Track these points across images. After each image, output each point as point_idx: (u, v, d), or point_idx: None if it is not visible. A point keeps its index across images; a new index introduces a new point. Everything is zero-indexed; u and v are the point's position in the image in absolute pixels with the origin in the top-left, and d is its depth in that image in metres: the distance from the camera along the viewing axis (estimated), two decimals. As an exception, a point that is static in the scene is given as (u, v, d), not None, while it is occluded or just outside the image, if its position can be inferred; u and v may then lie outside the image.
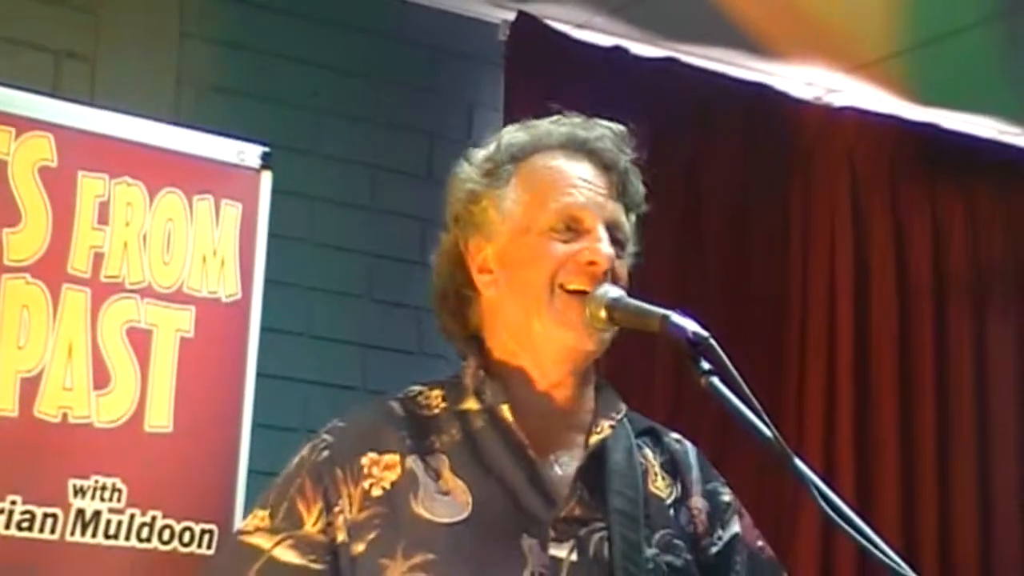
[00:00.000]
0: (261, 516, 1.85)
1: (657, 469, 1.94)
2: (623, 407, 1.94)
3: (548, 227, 1.86)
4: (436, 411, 1.89)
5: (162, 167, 2.62)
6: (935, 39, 4.07)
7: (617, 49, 4.16)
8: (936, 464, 4.36)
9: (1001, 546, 4.44)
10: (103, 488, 2.52)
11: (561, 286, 1.83)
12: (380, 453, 1.83)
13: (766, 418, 1.66)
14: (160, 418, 2.59)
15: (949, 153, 4.53)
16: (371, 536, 1.79)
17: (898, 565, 1.59)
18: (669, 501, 1.92)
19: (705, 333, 1.74)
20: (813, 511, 4.00)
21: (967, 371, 4.47)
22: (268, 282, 2.83)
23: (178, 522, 2.60)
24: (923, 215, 4.50)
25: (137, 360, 2.58)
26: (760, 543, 1.99)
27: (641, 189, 1.96)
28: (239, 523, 2.52)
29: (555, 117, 1.96)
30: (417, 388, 1.94)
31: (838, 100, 4.48)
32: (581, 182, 1.88)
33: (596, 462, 1.87)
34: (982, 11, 3.93)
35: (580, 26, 4.12)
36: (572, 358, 1.88)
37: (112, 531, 2.54)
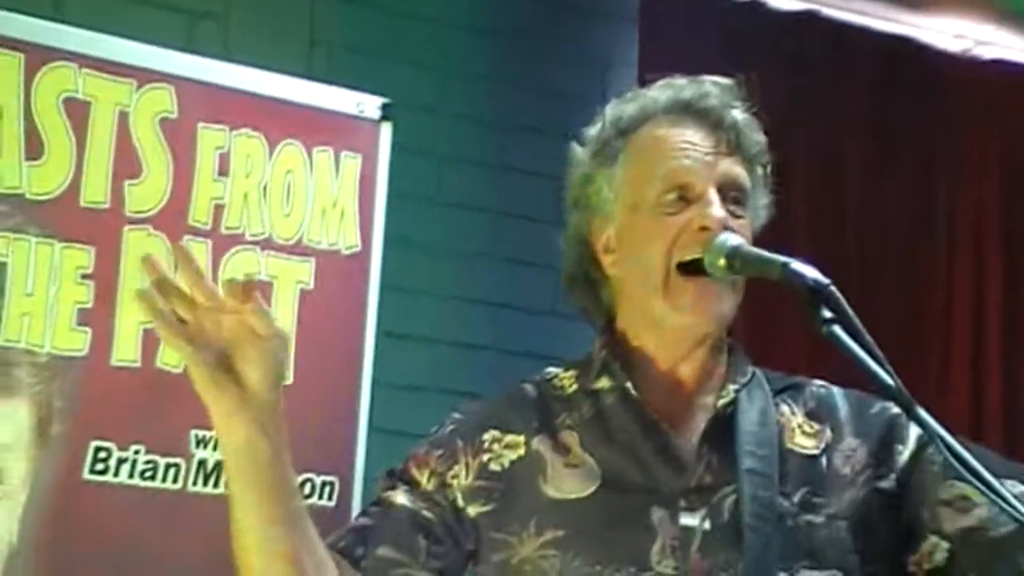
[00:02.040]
0: (387, 475, 1.89)
1: (799, 422, 1.87)
2: (750, 370, 1.89)
3: (656, 200, 1.81)
4: (569, 391, 1.89)
5: (281, 118, 2.61)
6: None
7: (754, 2, 4.06)
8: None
9: None
10: (202, 440, 2.53)
11: (677, 265, 1.79)
12: (504, 432, 1.84)
13: (889, 367, 1.60)
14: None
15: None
16: (487, 507, 1.80)
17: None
18: (815, 452, 1.84)
19: (826, 280, 1.67)
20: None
21: None
22: (393, 240, 2.81)
23: (299, 474, 2.59)
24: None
25: (260, 312, 2.57)
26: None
27: (761, 139, 1.89)
28: (359, 476, 2.52)
29: (661, 82, 1.90)
30: (554, 370, 1.94)
31: (985, 52, 4.31)
32: (686, 145, 1.83)
33: (724, 426, 1.82)
34: None
35: (715, -22, 4.02)
36: (691, 337, 1.84)
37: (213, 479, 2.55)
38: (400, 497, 1.82)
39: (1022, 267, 4.26)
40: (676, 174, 1.81)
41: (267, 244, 2.60)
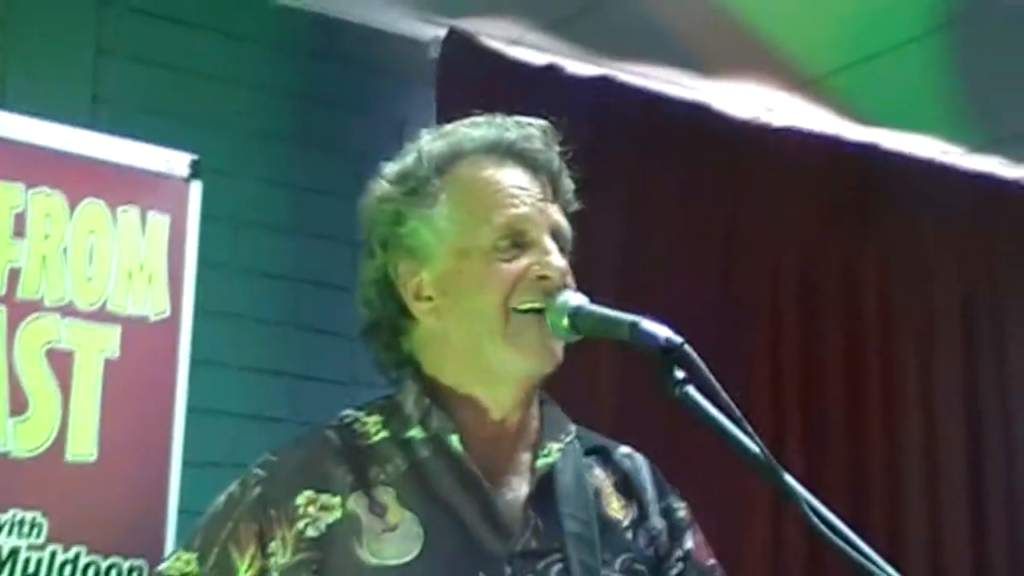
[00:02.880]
0: (187, 559, 1.71)
1: (610, 490, 1.83)
2: (572, 428, 1.83)
3: (491, 246, 1.73)
4: (376, 439, 1.76)
5: (83, 175, 2.42)
6: (873, 56, 3.99)
7: (551, 67, 4.05)
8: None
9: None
10: (21, 522, 2.31)
11: (515, 309, 1.71)
12: (318, 492, 1.70)
13: (750, 429, 1.54)
14: (83, 446, 2.39)
15: (888, 174, 4.45)
16: None
17: None
18: (626, 523, 1.81)
19: (679, 339, 1.62)
20: (764, 512, 3.98)
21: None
22: (198, 308, 2.64)
23: (104, 558, 2.40)
24: (865, 239, 4.41)
25: (58, 384, 2.37)
26: (711, 562, 1.88)
27: (572, 185, 1.86)
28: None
29: (471, 119, 1.83)
30: (351, 414, 1.80)
31: (777, 120, 4.38)
32: (519, 191, 1.76)
33: (546, 486, 1.75)
34: (922, 25, 3.85)
35: (513, 43, 4.00)
36: (528, 381, 1.77)
37: (32, 569, 2.33)
38: None
39: (816, 331, 4.31)
40: (513, 221, 1.74)
41: (68, 310, 2.40)
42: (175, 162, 2.51)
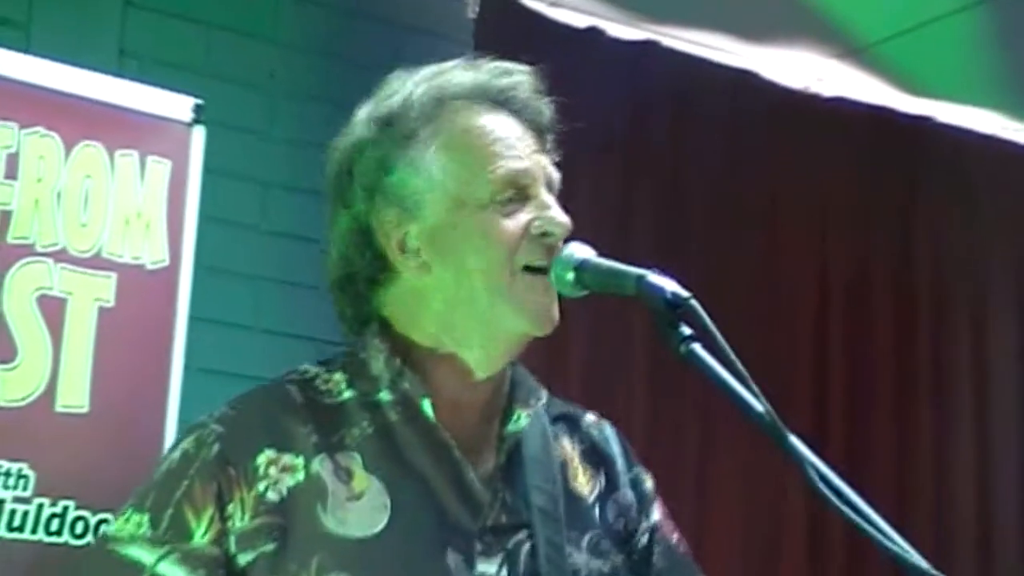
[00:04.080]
0: (138, 521, 1.59)
1: (577, 462, 1.76)
2: (543, 393, 1.73)
3: (489, 199, 1.63)
4: (341, 399, 1.65)
5: (80, 117, 2.33)
6: (927, 22, 3.84)
7: (592, 30, 3.95)
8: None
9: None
10: (7, 474, 2.23)
11: (524, 267, 1.62)
12: (280, 451, 1.59)
13: (755, 388, 1.46)
14: (74, 397, 2.30)
15: (941, 148, 4.30)
16: (266, 548, 1.55)
17: (901, 548, 1.39)
18: (593, 498, 1.74)
19: (686, 293, 1.54)
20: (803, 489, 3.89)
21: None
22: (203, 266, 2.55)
23: (93, 514, 2.30)
24: (916, 214, 4.27)
25: (49, 332, 2.28)
26: (676, 536, 1.81)
27: (554, 133, 1.75)
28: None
29: (455, 62, 1.74)
30: (312, 369, 1.69)
31: (827, 89, 4.24)
32: (517, 141, 1.67)
33: (515, 455, 1.68)
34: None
35: (553, 4, 3.90)
36: (521, 343, 1.67)
37: (17, 523, 2.24)
38: (172, 569, 1.55)
39: (865, 309, 4.17)
40: (513, 174, 1.65)
41: (61, 256, 2.31)
42: (177, 105, 2.41)
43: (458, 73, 1.71)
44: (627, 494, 1.77)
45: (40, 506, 2.26)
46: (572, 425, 1.79)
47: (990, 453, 4.25)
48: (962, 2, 3.75)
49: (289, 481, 1.58)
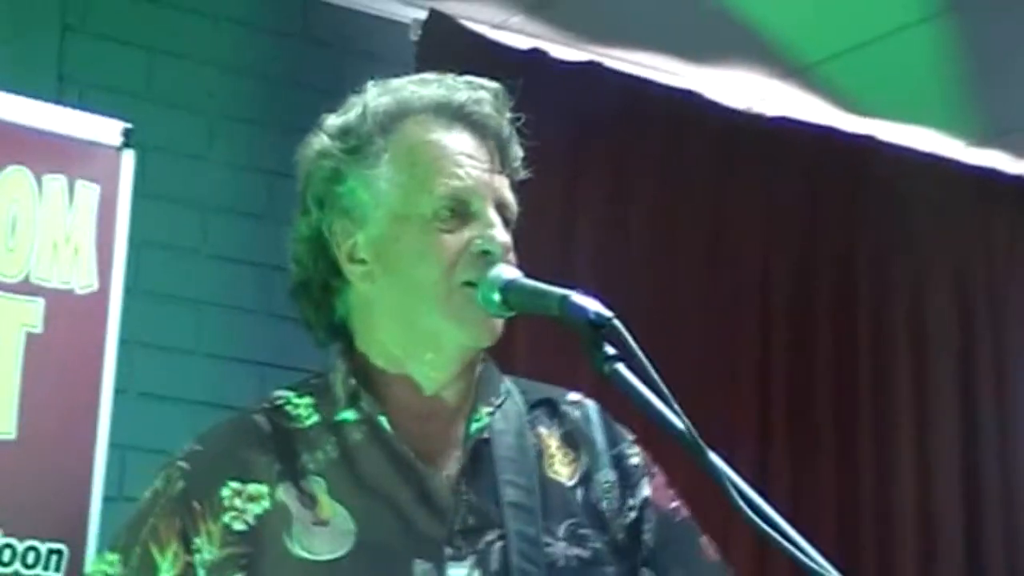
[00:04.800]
0: (111, 560, 1.62)
1: (555, 447, 1.73)
2: (505, 387, 1.72)
3: (432, 215, 1.63)
4: (307, 423, 1.65)
5: (7, 141, 2.32)
6: (869, 42, 3.86)
7: (535, 51, 3.95)
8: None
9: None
10: (-68, 503, 2.21)
11: (458, 284, 1.62)
12: (244, 482, 1.60)
13: (676, 407, 1.46)
14: (2, 424, 2.28)
15: (884, 167, 4.32)
16: None
17: (815, 560, 1.39)
18: (572, 482, 1.71)
19: (608, 313, 1.53)
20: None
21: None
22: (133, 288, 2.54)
23: (20, 541, 2.30)
24: (858, 234, 4.29)
25: (-26, 358, 2.27)
26: (674, 504, 1.77)
27: (519, 153, 1.73)
28: (91, 547, 2.23)
29: (420, 76, 1.73)
30: (283, 395, 1.69)
31: (769, 109, 4.26)
32: (465, 159, 1.66)
33: (481, 455, 1.66)
34: (920, 11, 3.73)
35: (496, 26, 3.91)
36: (467, 354, 1.67)
37: (-58, 552, 2.22)
38: None
39: (806, 329, 4.18)
40: (457, 191, 1.64)
41: (-12, 282, 2.30)
42: (107, 129, 2.40)
43: (420, 87, 1.70)
44: (608, 473, 1.73)
45: (-34, 534, 2.24)
46: (551, 409, 1.77)
47: (932, 486, 4.26)
48: (902, 22, 3.77)
49: (255, 510, 1.59)
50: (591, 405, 1.79)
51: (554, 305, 1.57)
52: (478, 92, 1.70)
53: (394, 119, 1.67)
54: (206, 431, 1.67)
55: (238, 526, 1.57)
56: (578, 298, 1.56)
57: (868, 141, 4.35)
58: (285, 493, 1.59)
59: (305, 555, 1.56)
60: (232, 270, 3.56)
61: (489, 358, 1.73)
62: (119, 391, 2.40)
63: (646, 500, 1.74)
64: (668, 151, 4.08)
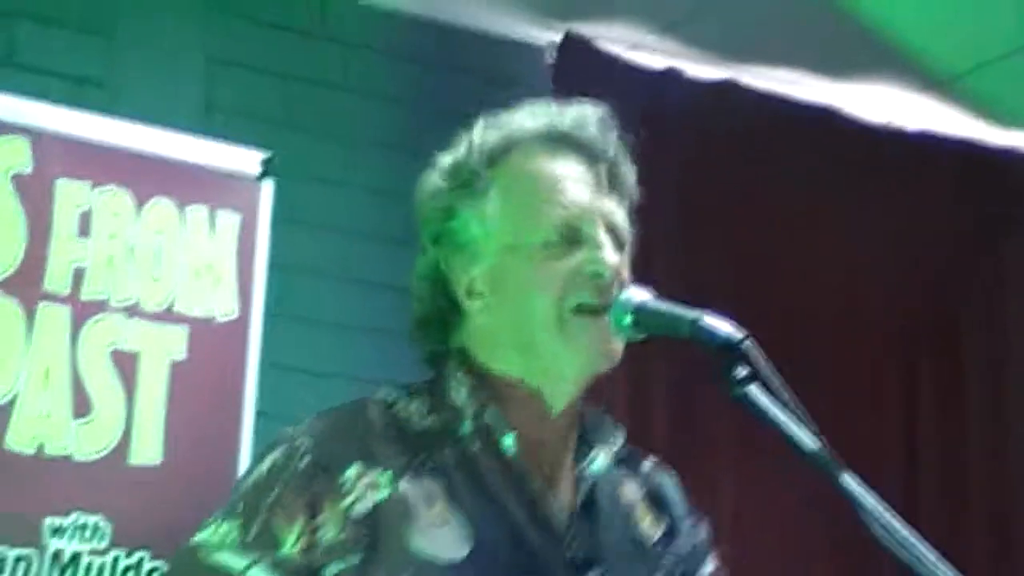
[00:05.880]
0: (227, 529, 1.59)
1: (642, 505, 1.76)
2: (621, 436, 1.74)
3: (542, 243, 1.64)
4: (421, 426, 1.65)
5: (151, 173, 2.39)
6: (1014, 52, 3.78)
7: (671, 71, 3.93)
8: None
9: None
10: (83, 527, 2.28)
11: (572, 310, 1.62)
12: (368, 466, 1.59)
13: (813, 427, 1.45)
14: (148, 450, 2.35)
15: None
16: (352, 561, 1.55)
17: None
18: (656, 539, 1.74)
19: (740, 335, 1.52)
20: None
21: None
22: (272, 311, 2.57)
23: (167, 564, 2.34)
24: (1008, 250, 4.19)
25: (123, 386, 2.33)
26: None
27: (632, 175, 1.73)
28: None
29: (527, 107, 1.73)
30: (392, 394, 1.69)
31: (910, 123, 4.18)
32: (571, 185, 1.66)
33: (591, 494, 1.68)
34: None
35: (632, 47, 3.90)
36: (584, 377, 1.67)
37: (94, 574, 2.28)
38: None
39: (948, 335, 4.10)
40: (564, 219, 1.65)
41: (134, 311, 2.36)
42: (246, 160, 2.45)
43: (524, 117, 1.71)
44: (687, 541, 1.77)
45: (116, 558, 2.30)
46: (634, 468, 1.80)
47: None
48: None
49: (375, 496, 1.57)
50: (668, 475, 1.83)
51: (685, 327, 1.56)
52: (579, 116, 1.70)
53: (500, 152, 1.68)
54: (322, 414, 1.65)
55: (359, 509, 1.55)
56: (710, 320, 1.55)
57: (1014, 154, 4.24)
58: (407, 486, 1.58)
59: (425, 552, 1.56)
60: (374, 294, 3.60)
61: (594, 406, 1.74)
62: (263, 414, 2.44)
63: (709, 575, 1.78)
64: (808, 168, 4.03)
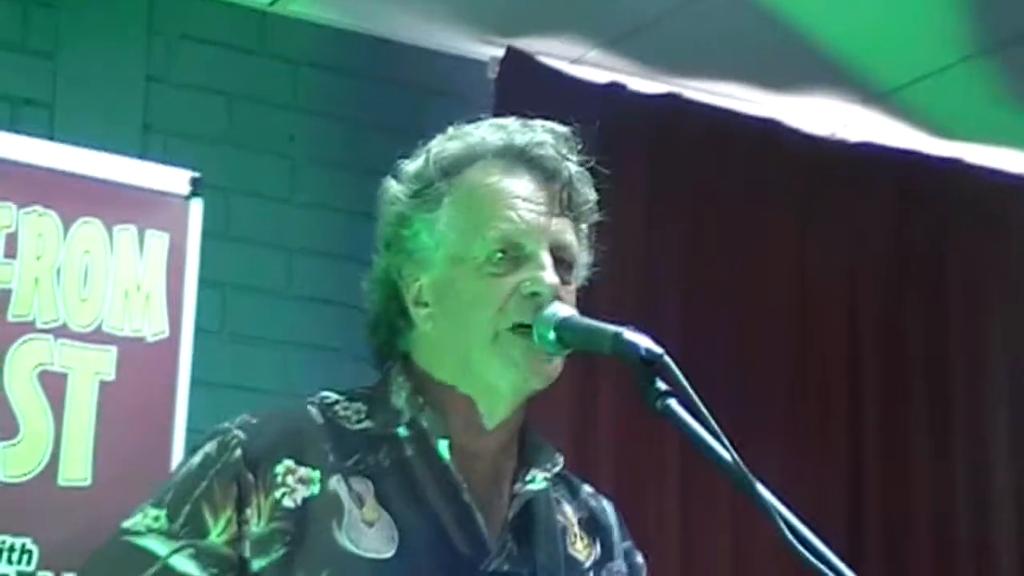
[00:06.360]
0: (155, 516, 1.60)
1: (576, 529, 1.78)
2: (560, 459, 1.75)
3: (485, 258, 1.65)
4: (359, 427, 1.67)
5: (78, 194, 2.38)
6: (952, 65, 3.81)
7: (614, 85, 3.94)
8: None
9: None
10: (11, 549, 2.27)
11: (508, 328, 1.64)
12: (298, 463, 1.61)
13: (727, 442, 1.47)
14: (77, 471, 2.34)
15: (971, 189, 4.25)
16: (276, 554, 1.57)
17: None
18: (588, 564, 1.76)
19: (660, 350, 1.54)
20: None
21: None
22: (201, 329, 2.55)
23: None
24: (948, 258, 4.22)
25: (51, 407, 2.32)
26: None
27: (591, 195, 1.74)
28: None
29: (491, 121, 1.75)
30: (332, 396, 1.71)
31: (853, 135, 4.21)
32: (520, 202, 1.67)
33: (525, 513, 1.69)
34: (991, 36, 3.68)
35: (574, 61, 3.92)
36: (519, 399, 1.69)
37: (21, 598, 2.27)
38: (185, 563, 1.56)
39: (893, 347, 4.13)
40: (509, 233, 1.66)
41: (61, 332, 2.35)
42: (175, 179, 2.45)
43: (486, 131, 1.72)
44: (621, 565, 1.78)
45: (44, 580, 2.29)
46: (571, 491, 1.81)
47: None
48: (984, 45, 3.72)
49: (305, 492, 1.60)
50: (606, 501, 1.85)
51: (607, 342, 1.58)
52: (541, 135, 1.71)
53: (458, 164, 1.69)
54: (259, 410, 1.67)
55: (287, 503, 1.58)
56: (631, 335, 1.56)
57: (956, 164, 4.28)
58: (337, 484, 1.61)
59: (350, 549, 1.58)
60: (312, 310, 3.60)
61: (534, 428, 1.75)
62: (194, 432, 2.43)
63: None
64: (751, 180, 4.05)
